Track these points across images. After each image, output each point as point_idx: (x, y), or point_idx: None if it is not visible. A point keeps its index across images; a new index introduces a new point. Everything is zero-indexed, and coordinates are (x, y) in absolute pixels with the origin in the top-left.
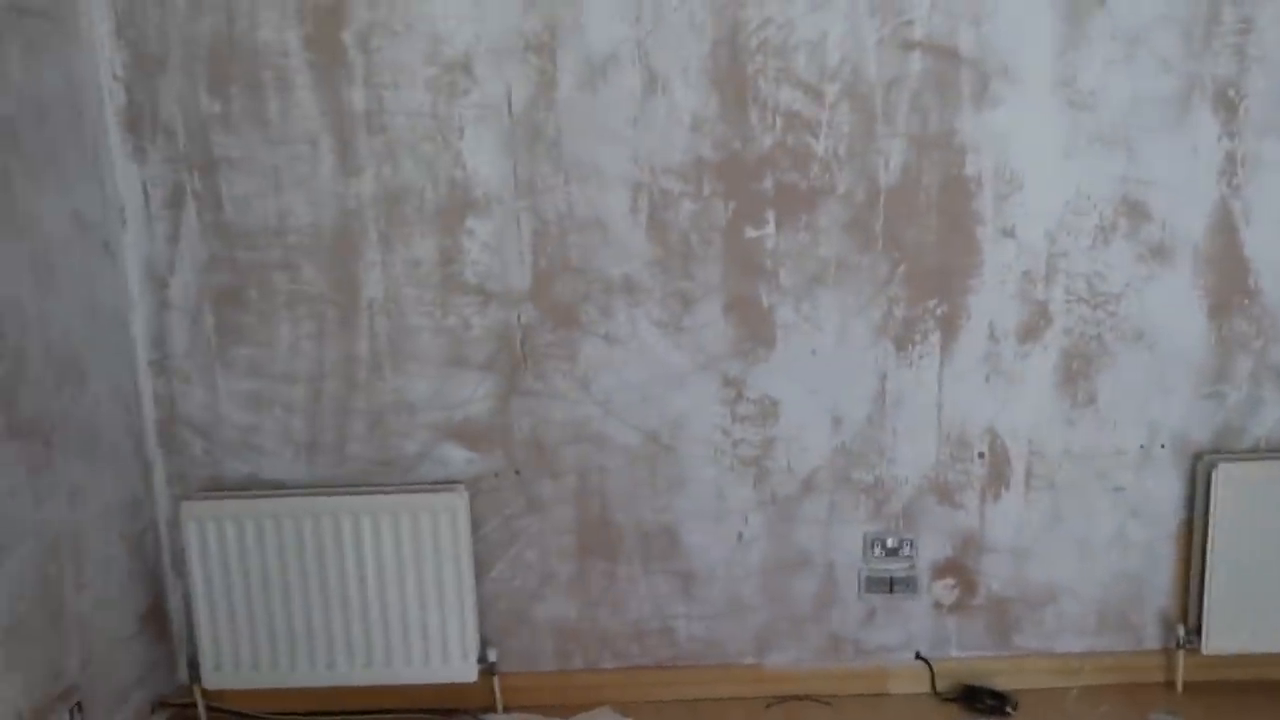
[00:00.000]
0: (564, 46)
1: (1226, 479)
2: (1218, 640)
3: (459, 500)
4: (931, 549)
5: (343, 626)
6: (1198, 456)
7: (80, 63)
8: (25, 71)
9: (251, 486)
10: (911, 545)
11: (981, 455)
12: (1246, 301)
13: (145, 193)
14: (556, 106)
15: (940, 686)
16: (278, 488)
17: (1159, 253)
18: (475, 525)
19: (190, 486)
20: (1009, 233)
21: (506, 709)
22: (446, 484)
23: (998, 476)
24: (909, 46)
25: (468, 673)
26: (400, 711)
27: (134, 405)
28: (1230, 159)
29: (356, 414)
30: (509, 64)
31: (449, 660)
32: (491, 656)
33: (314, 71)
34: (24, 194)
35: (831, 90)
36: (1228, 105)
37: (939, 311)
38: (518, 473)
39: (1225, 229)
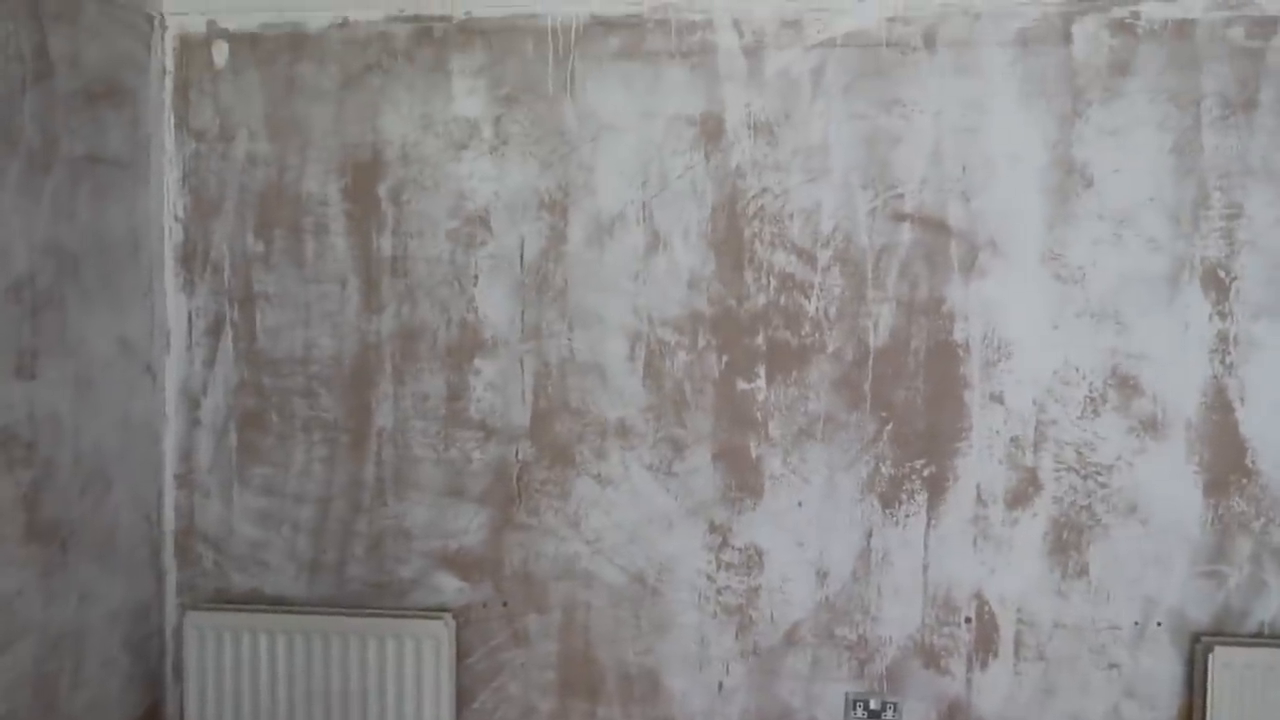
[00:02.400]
0: (575, 205)
1: (1225, 664)
2: None
3: (444, 630)
4: (915, 714)
5: None
6: (1196, 638)
7: (146, 204)
8: (92, 211)
9: (255, 601)
10: (895, 709)
11: (969, 620)
12: (1245, 481)
13: (190, 321)
14: (565, 259)
15: None
16: (279, 603)
17: (1151, 426)
18: (462, 654)
19: (198, 597)
20: (997, 398)
21: None
22: (436, 611)
23: (985, 644)
24: (900, 217)
25: None
26: None
27: (155, 515)
28: (1222, 338)
29: (358, 536)
30: (524, 219)
31: None
32: None
33: (349, 220)
34: (76, 319)
35: (824, 255)
36: (1219, 286)
37: (926, 472)
38: (505, 604)
39: (1220, 407)
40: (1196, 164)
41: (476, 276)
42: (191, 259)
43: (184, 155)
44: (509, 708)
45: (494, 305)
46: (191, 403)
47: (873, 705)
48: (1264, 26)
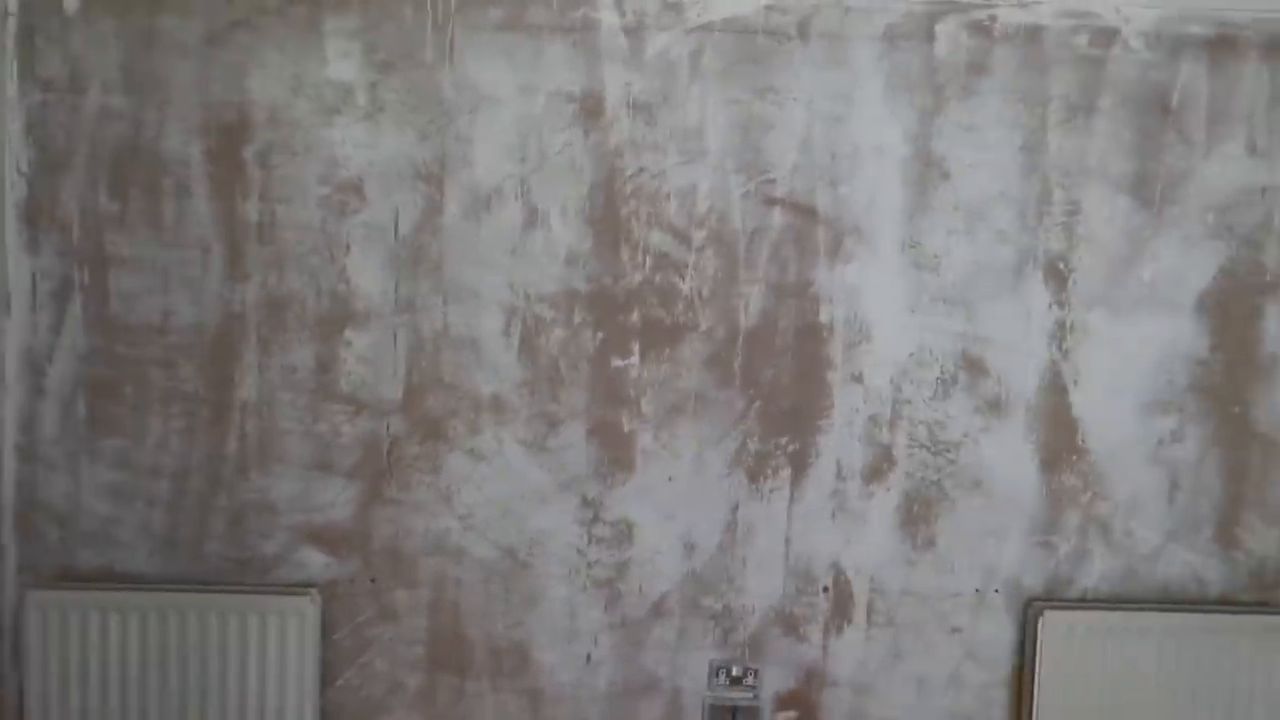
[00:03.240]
0: (452, 177)
1: (1053, 626)
2: None
3: (309, 606)
4: (775, 679)
5: None
6: (1029, 603)
7: None
8: None
9: (104, 579)
10: (756, 675)
11: (826, 589)
12: (1075, 458)
13: (34, 283)
14: (441, 232)
15: None
16: (131, 581)
17: (995, 407)
18: (327, 631)
19: (42, 575)
20: (858, 378)
21: None
22: (300, 587)
23: (841, 611)
24: (771, 202)
25: None
26: None
27: None
28: (1060, 326)
29: (218, 511)
30: (399, 190)
31: None
32: None
33: (212, 183)
34: None
35: (699, 236)
36: (1058, 277)
37: (790, 448)
38: (373, 580)
39: (1056, 390)
40: (1042, 162)
41: (348, 246)
42: (36, 216)
43: (28, 105)
44: (375, 684)
45: (367, 276)
46: (35, 370)
47: (735, 672)
48: (1105, 36)
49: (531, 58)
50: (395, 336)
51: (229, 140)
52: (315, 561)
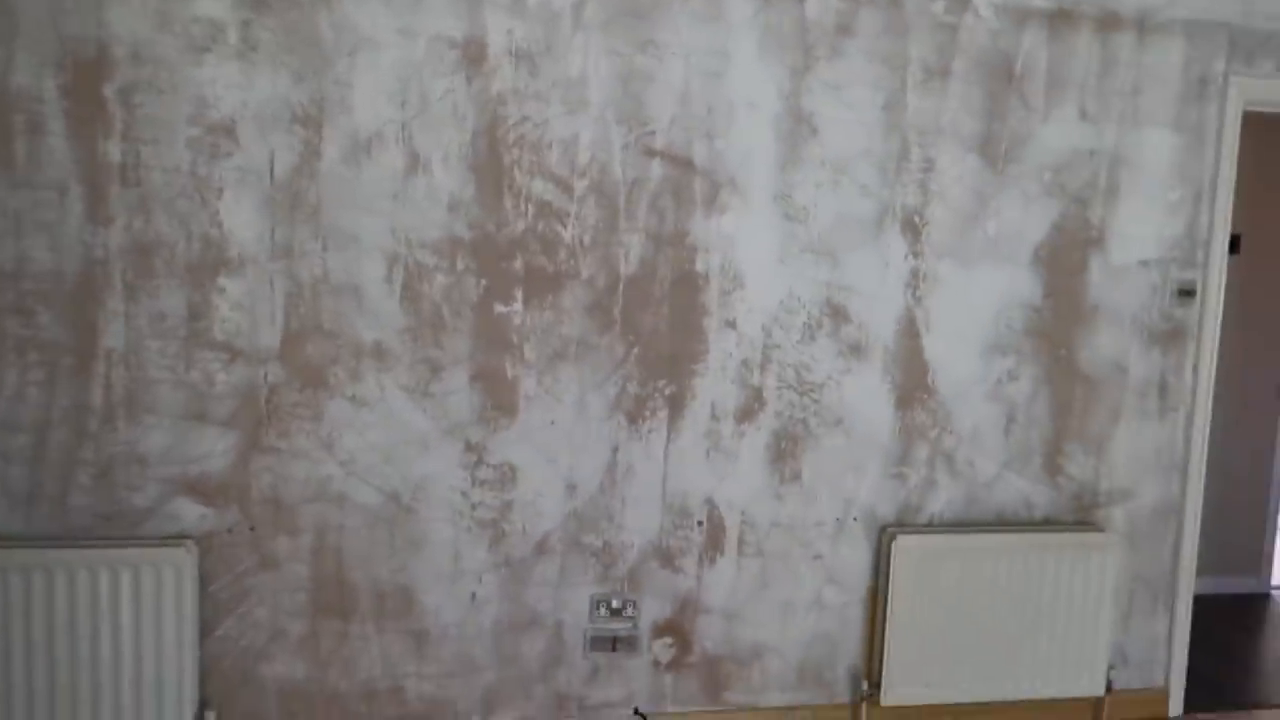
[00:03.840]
0: (330, 121)
1: (904, 549)
2: (894, 693)
3: (185, 556)
4: (653, 610)
5: (46, 688)
6: (883, 529)
7: None
8: None
9: None
10: (634, 606)
11: (700, 524)
12: (926, 396)
13: None
14: (319, 176)
15: None
16: None
17: (856, 350)
18: (204, 582)
19: None
20: (731, 324)
21: None
22: (176, 539)
23: (714, 544)
24: (651, 153)
25: None
26: None
27: None
28: (915, 275)
29: (84, 465)
30: (274, 132)
31: None
32: (210, 719)
33: (70, 121)
34: None
35: (580, 185)
36: (914, 230)
37: (668, 391)
38: (253, 529)
39: (910, 333)
40: (901, 121)
41: (221, 190)
42: None
43: None
44: (256, 633)
45: (241, 221)
46: None
47: (614, 604)
48: (960, 4)
49: (412, 1)
50: (272, 283)
51: (87, 76)
52: (190, 513)
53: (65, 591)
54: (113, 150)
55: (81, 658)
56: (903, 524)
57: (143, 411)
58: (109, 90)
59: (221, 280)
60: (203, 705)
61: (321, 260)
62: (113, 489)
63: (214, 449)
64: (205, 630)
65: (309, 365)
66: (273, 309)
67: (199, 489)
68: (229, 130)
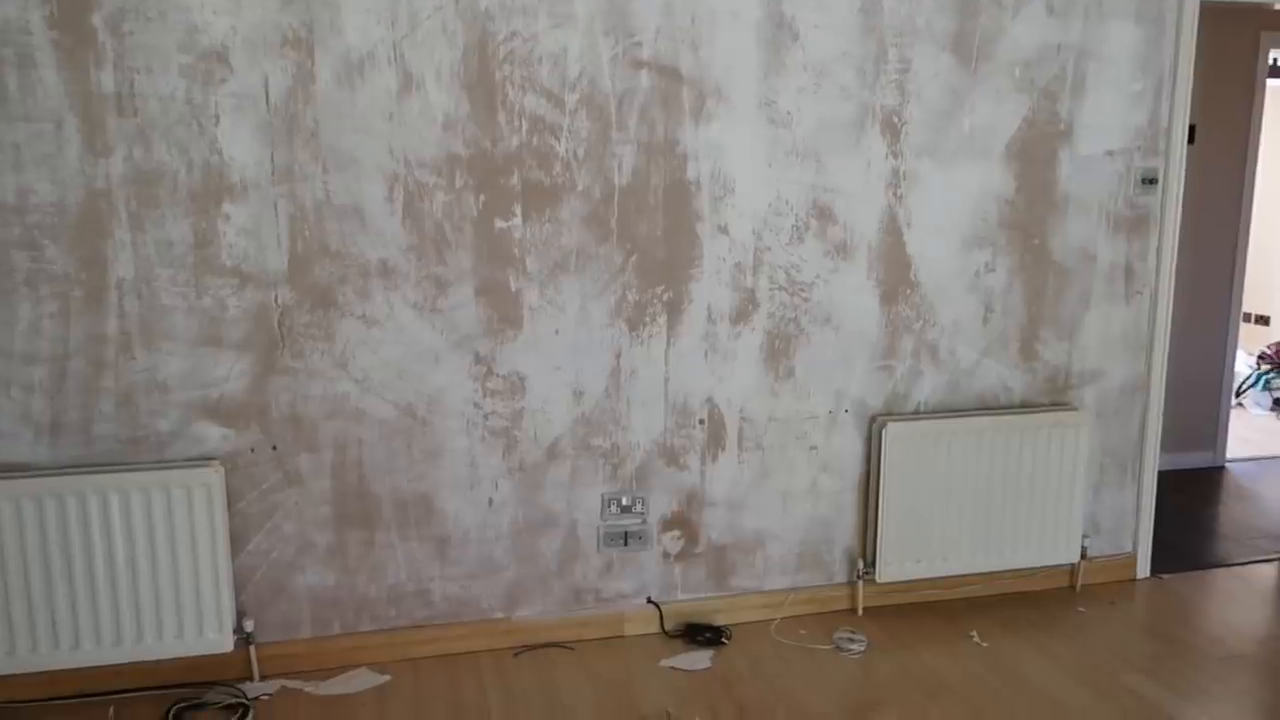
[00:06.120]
0: (321, 44)
1: (893, 436)
2: (888, 570)
3: (213, 476)
4: (660, 505)
5: (89, 607)
6: (873, 419)
7: None
8: None
9: None
10: (643, 503)
11: (702, 422)
12: (909, 291)
13: None
14: (314, 99)
15: (668, 626)
16: (18, 469)
17: (842, 250)
18: (231, 500)
19: None
20: (723, 229)
21: (264, 677)
22: (201, 460)
23: (715, 440)
24: (639, 65)
25: (223, 644)
26: (156, 689)
27: None
28: (895, 174)
29: (104, 393)
30: (266, 56)
31: (204, 633)
32: (248, 627)
33: (59, 52)
34: None
35: (571, 99)
36: (893, 130)
37: (665, 297)
38: (275, 448)
39: (892, 231)
40: (877, 23)
41: (218, 116)
42: None
43: None
44: (285, 546)
45: (240, 146)
46: None
47: (624, 501)
48: None
49: None
50: (275, 207)
51: (73, 5)
52: (213, 435)
53: (100, 516)
54: (106, 80)
55: (120, 578)
56: (891, 413)
57: (159, 338)
58: (97, 19)
59: (226, 206)
60: (240, 615)
61: (323, 183)
62: (135, 415)
63: (231, 372)
64: (237, 545)
65: (317, 286)
66: (278, 232)
67: (220, 412)
68: (221, 56)
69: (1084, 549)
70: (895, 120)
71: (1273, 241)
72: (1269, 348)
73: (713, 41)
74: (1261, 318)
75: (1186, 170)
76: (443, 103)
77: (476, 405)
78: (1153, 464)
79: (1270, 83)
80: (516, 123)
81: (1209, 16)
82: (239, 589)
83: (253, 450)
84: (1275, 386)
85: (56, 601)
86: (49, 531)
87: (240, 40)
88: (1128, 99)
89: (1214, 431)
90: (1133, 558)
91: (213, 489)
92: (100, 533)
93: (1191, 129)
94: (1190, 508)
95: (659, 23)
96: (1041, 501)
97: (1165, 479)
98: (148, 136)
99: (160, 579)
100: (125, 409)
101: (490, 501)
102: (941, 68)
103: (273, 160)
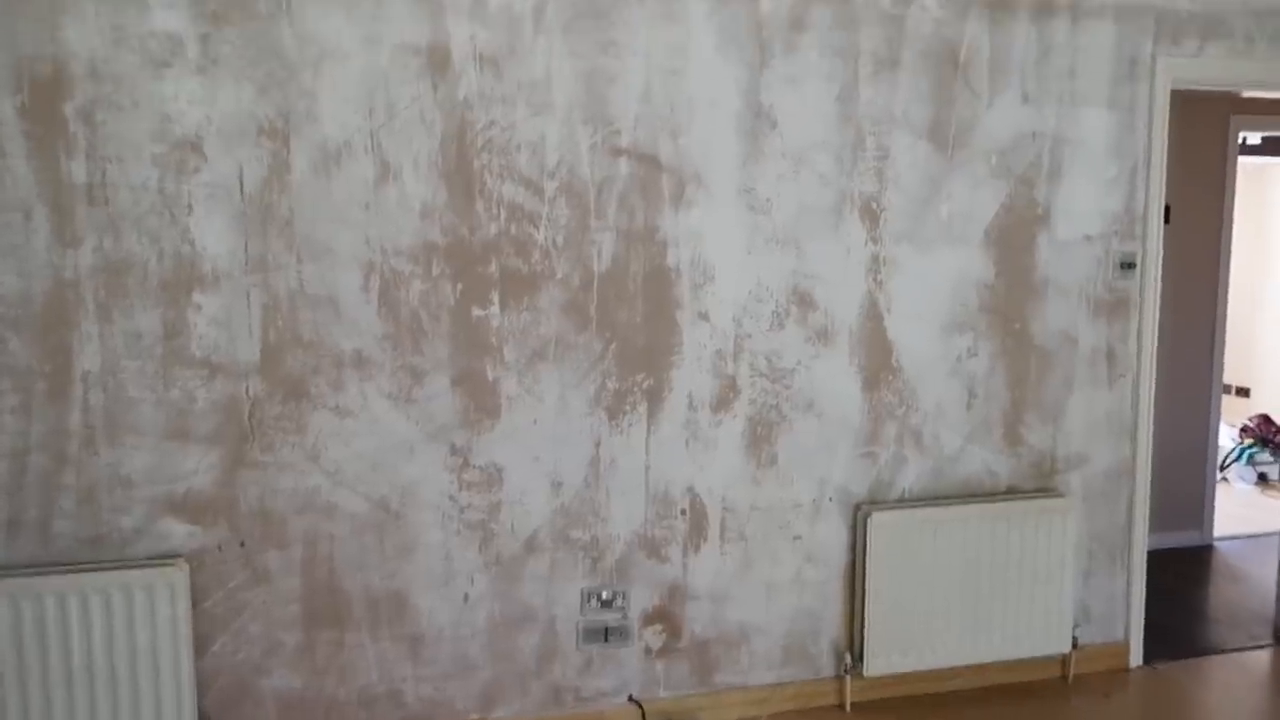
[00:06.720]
0: (297, 133)
1: (878, 524)
2: (875, 663)
3: (178, 575)
4: (641, 599)
5: (43, 714)
6: (857, 507)
7: None
8: None
9: None
10: (624, 597)
11: (683, 512)
12: (891, 376)
13: None
14: (290, 188)
15: None
16: None
17: (823, 335)
18: (196, 599)
19: None
20: (704, 316)
21: None
22: (166, 558)
23: (697, 531)
24: (618, 152)
25: None
26: None
27: None
28: (875, 260)
29: (65, 490)
30: (241, 146)
31: None
32: None
33: (30, 141)
34: None
35: (550, 187)
36: (872, 216)
37: (646, 385)
38: (243, 544)
39: (873, 316)
40: (855, 112)
41: (191, 206)
42: None
43: None
44: (251, 647)
45: (213, 236)
46: None
47: (604, 596)
48: None
49: (373, 9)
50: (248, 296)
51: (46, 95)
52: (179, 532)
53: (57, 618)
54: (77, 170)
55: (77, 682)
56: (875, 500)
57: (124, 432)
58: (69, 109)
59: (196, 296)
60: None
61: (297, 272)
62: (98, 512)
63: (199, 466)
64: (201, 647)
65: (290, 377)
66: (250, 323)
67: (186, 507)
68: (195, 145)
69: (1075, 639)
70: (874, 206)
71: (1251, 312)
72: (1251, 420)
73: (691, 129)
74: (1242, 389)
75: (1163, 249)
76: (420, 191)
77: (452, 498)
78: (1142, 549)
79: (1242, 159)
80: (495, 211)
81: (1180, 102)
82: (202, 693)
83: (220, 547)
84: (1259, 460)
85: (8, 710)
86: (2, 635)
87: (215, 130)
88: (1103, 184)
89: (1200, 509)
90: (1125, 646)
91: (176, 588)
92: (57, 636)
93: (1167, 209)
94: (1180, 589)
95: (638, 111)
96: (1030, 590)
97: (1153, 559)
98: (118, 226)
99: (119, 684)
100: (87, 506)
101: (466, 597)
102: (919, 155)
103: (246, 249)
